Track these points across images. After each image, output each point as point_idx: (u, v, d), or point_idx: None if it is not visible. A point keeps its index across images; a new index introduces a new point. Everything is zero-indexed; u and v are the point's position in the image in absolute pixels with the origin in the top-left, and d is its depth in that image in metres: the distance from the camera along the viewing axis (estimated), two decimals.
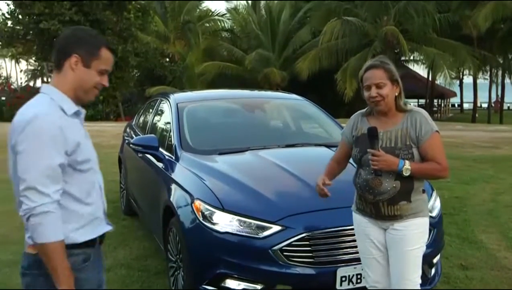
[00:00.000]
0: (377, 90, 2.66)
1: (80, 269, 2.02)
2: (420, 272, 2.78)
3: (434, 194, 3.87)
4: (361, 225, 2.88)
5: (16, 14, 25.49)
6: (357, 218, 2.92)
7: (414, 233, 2.71)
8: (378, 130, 2.68)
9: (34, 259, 1.99)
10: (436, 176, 2.76)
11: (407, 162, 2.61)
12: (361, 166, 2.80)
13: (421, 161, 2.67)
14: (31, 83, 56.27)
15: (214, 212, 3.37)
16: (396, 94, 2.69)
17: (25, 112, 1.97)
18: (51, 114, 1.95)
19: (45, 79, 52.57)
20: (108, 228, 2.21)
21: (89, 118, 28.16)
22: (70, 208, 2.00)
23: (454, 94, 45.47)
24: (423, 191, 2.77)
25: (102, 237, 2.18)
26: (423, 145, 2.65)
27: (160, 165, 4.52)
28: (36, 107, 1.97)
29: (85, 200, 2.05)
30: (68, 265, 1.93)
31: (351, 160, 3.00)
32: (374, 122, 2.76)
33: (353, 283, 3.25)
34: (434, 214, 3.69)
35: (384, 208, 2.71)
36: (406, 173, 2.59)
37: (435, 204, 3.78)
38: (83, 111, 2.15)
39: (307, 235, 3.22)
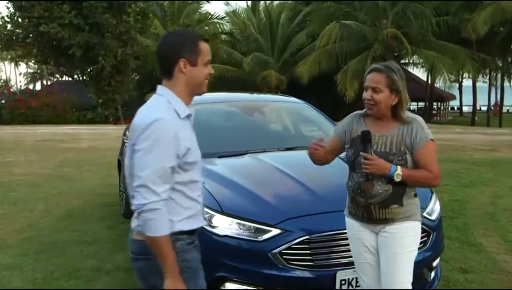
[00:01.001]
0: (372, 93, 2.66)
1: (187, 250, 2.26)
2: (411, 278, 2.72)
3: (434, 197, 3.87)
4: (354, 229, 2.86)
5: (15, 17, 25.52)
6: (349, 222, 2.90)
7: (405, 236, 2.70)
8: (374, 134, 2.68)
9: (144, 246, 2.18)
10: (427, 184, 2.78)
11: (399, 167, 2.61)
12: (353, 168, 2.78)
13: (414, 167, 2.67)
14: (31, 86, 56.40)
15: (214, 215, 3.36)
16: (394, 103, 2.67)
17: (146, 115, 2.16)
18: (169, 119, 2.15)
19: (44, 82, 52.64)
20: (204, 222, 2.43)
21: (88, 121, 28.21)
22: (179, 203, 2.23)
23: (454, 97, 45.59)
24: (415, 195, 2.77)
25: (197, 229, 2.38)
26: (417, 152, 2.65)
27: None
28: (156, 111, 2.16)
29: (190, 196, 2.26)
30: (174, 255, 2.13)
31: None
32: (370, 125, 2.75)
33: (352, 286, 3.24)
34: (433, 217, 3.68)
35: (376, 211, 2.70)
36: (397, 179, 2.60)
37: (434, 207, 3.77)
38: (192, 114, 2.33)
39: (307, 238, 3.21)
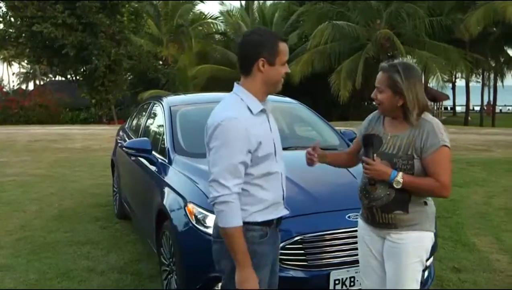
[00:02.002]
0: (376, 92, 2.60)
1: (258, 243, 2.34)
2: (418, 287, 2.64)
3: None
4: (362, 231, 2.80)
5: (8, 17, 25.39)
6: (359, 223, 2.84)
7: (409, 247, 2.57)
8: (387, 134, 2.62)
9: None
10: (432, 193, 2.56)
11: (400, 173, 2.48)
12: (364, 167, 2.69)
13: (423, 174, 2.51)
14: (24, 86, 56.09)
15: (207, 215, 3.36)
16: (399, 105, 2.53)
17: (217, 114, 2.30)
18: (239, 117, 2.25)
19: (37, 82, 52.39)
20: (285, 212, 2.51)
21: (81, 121, 28.12)
22: (253, 194, 2.32)
23: (447, 97, 45.70)
24: (425, 203, 2.59)
25: (279, 219, 2.47)
26: (427, 158, 2.48)
27: (153, 168, 4.50)
28: (227, 110, 2.29)
29: (265, 187, 2.35)
30: (245, 246, 2.24)
31: None
32: (388, 124, 2.67)
33: (346, 285, 3.24)
34: None
35: (378, 215, 2.61)
36: (396, 185, 2.48)
37: None
38: (269, 106, 2.43)
39: (300, 238, 3.21)
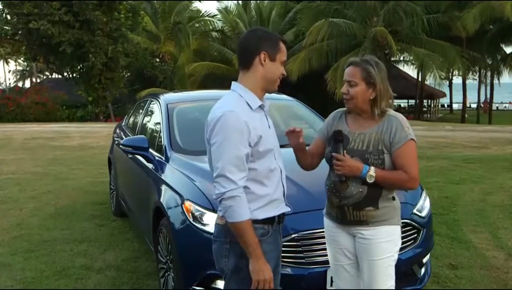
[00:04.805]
0: (347, 87, 2.62)
1: (259, 241, 2.29)
2: (393, 282, 2.65)
3: (424, 194, 3.89)
4: (330, 230, 2.78)
5: (4, 14, 25.32)
6: (326, 222, 2.82)
7: (382, 242, 2.59)
8: (353, 131, 2.63)
9: (220, 229, 2.38)
10: (402, 186, 2.63)
11: (372, 168, 2.51)
12: (331, 167, 2.68)
13: (392, 168, 2.55)
14: (20, 84, 55.98)
15: (205, 213, 3.36)
16: (371, 97, 2.58)
17: (216, 110, 2.30)
18: (237, 111, 2.24)
19: (34, 80, 52.26)
20: (286, 209, 2.49)
21: (78, 119, 28.08)
22: (253, 191, 2.31)
23: (444, 95, 45.81)
24: (393, 198, 2.64)
25: (280, 216, 2.45)
26: (395, 152, 2.53)
27: (150, 165, 4.50)
28: (225, 105, 2.29)
29: (265, 184, 2.34)
30: (256, 238, 2.25)
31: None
32: (351, 122, 2.69)
33: None
34: (423, 214, 3.70)
35: (349, 213, 2.61)
36: (369, 180, 2.50)
37: (424, 204, 3.79)
38: (268, 104, 2.43)
39: (297, 236, 3.22)
